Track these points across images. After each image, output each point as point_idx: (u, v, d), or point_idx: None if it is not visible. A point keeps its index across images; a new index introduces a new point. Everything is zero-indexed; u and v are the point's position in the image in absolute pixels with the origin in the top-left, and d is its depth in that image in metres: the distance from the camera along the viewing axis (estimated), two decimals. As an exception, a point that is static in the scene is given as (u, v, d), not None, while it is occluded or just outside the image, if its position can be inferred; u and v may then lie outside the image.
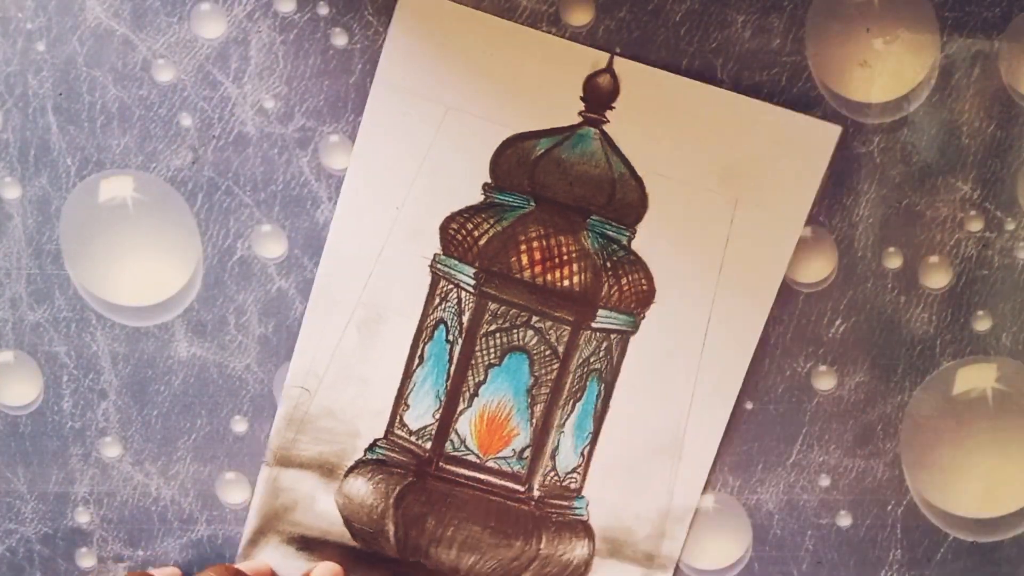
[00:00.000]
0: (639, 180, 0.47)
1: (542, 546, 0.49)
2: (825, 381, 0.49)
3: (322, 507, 0.49)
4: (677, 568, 0.50)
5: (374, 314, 0.48)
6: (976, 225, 0.48)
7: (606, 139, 0.47)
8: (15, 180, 0.48)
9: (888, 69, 0.47)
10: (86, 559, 0.50)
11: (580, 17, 0.46)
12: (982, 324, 0.49)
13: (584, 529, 0.49)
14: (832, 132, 0.47)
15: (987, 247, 0.49)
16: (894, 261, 0.48)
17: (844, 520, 0.50)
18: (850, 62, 0.47)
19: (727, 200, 0.47)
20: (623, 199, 0.47)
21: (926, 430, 0.50)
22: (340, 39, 0.47)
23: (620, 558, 0.49)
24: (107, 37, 0.47)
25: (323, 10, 0.46)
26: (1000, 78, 0.47)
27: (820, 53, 0.47)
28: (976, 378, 0.50)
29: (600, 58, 0.46)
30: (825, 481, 0.50)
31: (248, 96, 0.47)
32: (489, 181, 0.47)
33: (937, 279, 0.49)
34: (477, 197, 0.47)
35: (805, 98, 0.47)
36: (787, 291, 0.48)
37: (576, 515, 0.49)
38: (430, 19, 0.46)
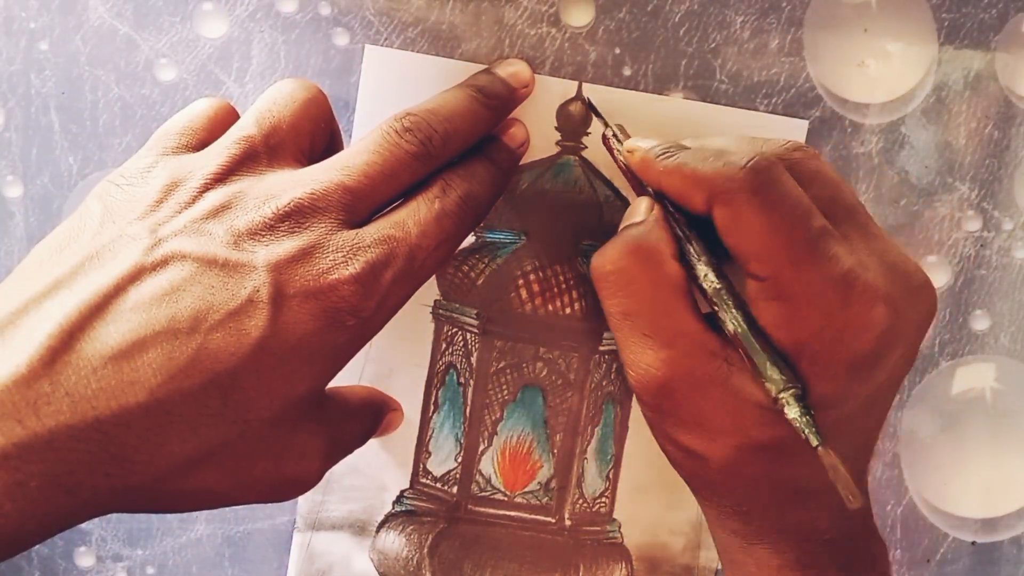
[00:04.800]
0: (624, 200, 0.47)
1: (581, 574, 0.49)
2: (824, 380, 0.49)
3: (358, 567, 0.49)
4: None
5: (384, 368, 0.48)
6: (974, 225, 0.49)
7: (586, 165, 0.47)
8: (17, 179, 0.48)
9: (886, 70, 0.47)
10: (85, 558, 0.50)
11: (580, 17, 0.46)
12: (981, 323, 0.49)
13: (620, 552, 0.49)
14: (799, 127, 0.47)
15: (985, 247, 0.49)
16: (892, 261, 0.49)
17: (844, 520, 0.50)
18: (848, 63, 0.47)
19: None
20: (612, 221, 0.46)
21: (925, 430, 0.50)
22: (342, 39, 0.47)
23: (660, 575, 0.48)
24: (110, 36, 0.47)
25: (325, 10, 0.47)
26: (997, 79, 0.48)
27: (818, 54, 0.47)
28: (975, 377, 0.50)
29: (569, 87, 0.46)
30: (825, 481, 0.50)
31: (250, 96, 0.47)
32: None
33: (936, 278, 0.49)
34: (469, 239, 0.47)
35: (803, 99, 0.47)
36: (786, 290, 0.48)
37: (610, 539, 0.49)
38: (396, 73, 0.46)
